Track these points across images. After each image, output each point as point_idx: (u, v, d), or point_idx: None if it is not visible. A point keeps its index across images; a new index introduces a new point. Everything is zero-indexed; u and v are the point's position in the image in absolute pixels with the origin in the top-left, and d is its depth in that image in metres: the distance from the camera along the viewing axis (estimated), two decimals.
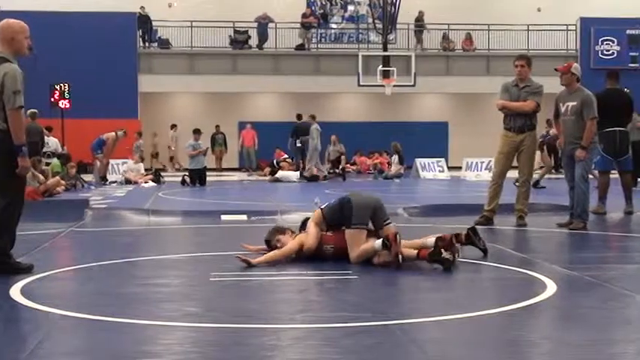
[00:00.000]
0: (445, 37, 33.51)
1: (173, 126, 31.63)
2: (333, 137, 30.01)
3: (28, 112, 20.64)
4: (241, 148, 32.45)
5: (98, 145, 22.97)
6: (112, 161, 23.72)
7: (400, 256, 6.78)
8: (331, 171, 25.79)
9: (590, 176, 10.65)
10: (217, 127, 31.73)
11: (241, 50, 32.67)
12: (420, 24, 33.43)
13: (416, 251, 7.02)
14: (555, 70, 10.21)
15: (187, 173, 21.86)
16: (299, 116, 26.62)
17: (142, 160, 24.88)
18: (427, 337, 4.59)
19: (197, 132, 22.94)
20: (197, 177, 21.45)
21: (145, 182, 21.86)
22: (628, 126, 12.16)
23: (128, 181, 22.22)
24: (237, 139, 32.71)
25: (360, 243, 7.09)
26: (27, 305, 5.39)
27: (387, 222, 7.34)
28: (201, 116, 31.85)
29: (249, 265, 6.93)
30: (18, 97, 6.51)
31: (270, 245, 7.42)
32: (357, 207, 7.19)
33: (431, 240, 7.02)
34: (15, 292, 5.82)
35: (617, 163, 12.04)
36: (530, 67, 10.37)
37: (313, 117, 25.15)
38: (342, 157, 29.73)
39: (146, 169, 24.41)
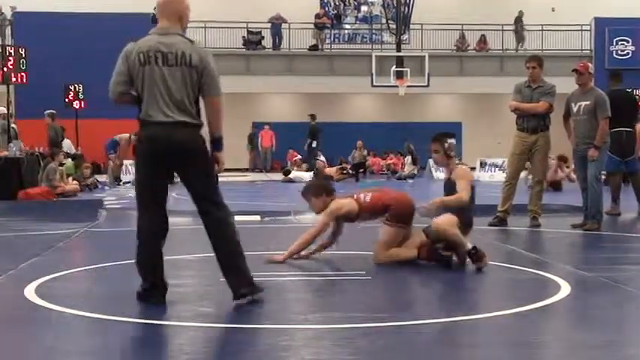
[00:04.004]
0: (461, 37, 33.45)
1: None
2: (359, 143, 30.13)
3: (48, 112, 20.83)
4: (259, 148, 32.40)
5: (111, 146, 23.02)
6: (125, 162, 23.78)
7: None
8: (345, 172, 25.82)
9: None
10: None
11: (255, 51, 32.70)
12: (519, 25, 33.28)
13: (416, 251, 7.10)
14: (573, 70, 10.15)
15: None
16: (312, 116, 26.60)
17: None
18: (440, 338, 4.58)
19: None
20: None
21: None
22: (637, 127, 12.13)
23: None
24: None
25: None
26: (41, 305, 5.41)
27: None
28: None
29: (279, 262, 7.06)
30: (219, 81, 5.59)
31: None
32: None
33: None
34: (29, 291, 5.84)
35: (625, 165, 11.98)
36: (542, 68, 10.35)
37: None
38: (367, 162, 29.65)
39: None
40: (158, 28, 5.48)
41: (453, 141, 7.45)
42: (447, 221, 6.95)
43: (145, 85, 5.32)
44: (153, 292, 5.39)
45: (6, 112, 18.51)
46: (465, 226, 7.10)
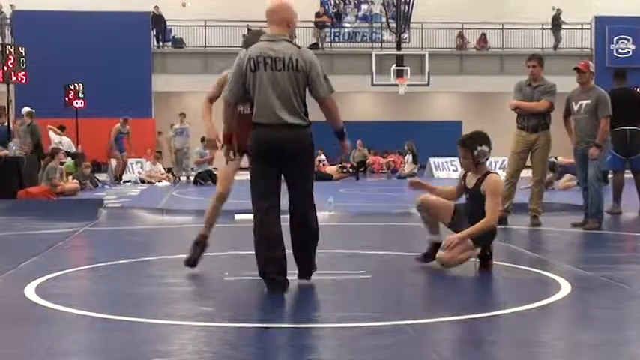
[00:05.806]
0: (459, 35, 33.44)
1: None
2: (359, 142, 30.08)
3: (27, 111, 19.32)
4: None
5: (120, 143, 22.85)
6: (128, 161, 23.73)
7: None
8: (345, 170, 25.83)
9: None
10: None
11: None
12: (557, 22, 33.13)
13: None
14: (575, 68, 10.13)
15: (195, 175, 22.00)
16: None
17: (159, 159, 24.82)
18: (441, 338, 4.58)
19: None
20: (207, 177, 21.64)
21: (159, 181, 21.93)
22: None
23: (142, 180, 22.28)
24: None
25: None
26: (41, 304, 5.41)
27: None
28: (216, 116, 31.88)
29: None
30: (329, 81, 6.01)
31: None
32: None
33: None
34: (30, 290, 5.84)
35: (629, 163, 11.96)
36: (543, 67, 10.34)
37: (183, 115, 24.67)
38: (367, 161, 29.57)
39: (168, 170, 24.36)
40: (267, 35, 5.93)
41: (484, 148, 6.83)
42: (455, 254, 6.66)
43: (255, 89, 5.77)
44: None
45: (32, 111, 18.42)
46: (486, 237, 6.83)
